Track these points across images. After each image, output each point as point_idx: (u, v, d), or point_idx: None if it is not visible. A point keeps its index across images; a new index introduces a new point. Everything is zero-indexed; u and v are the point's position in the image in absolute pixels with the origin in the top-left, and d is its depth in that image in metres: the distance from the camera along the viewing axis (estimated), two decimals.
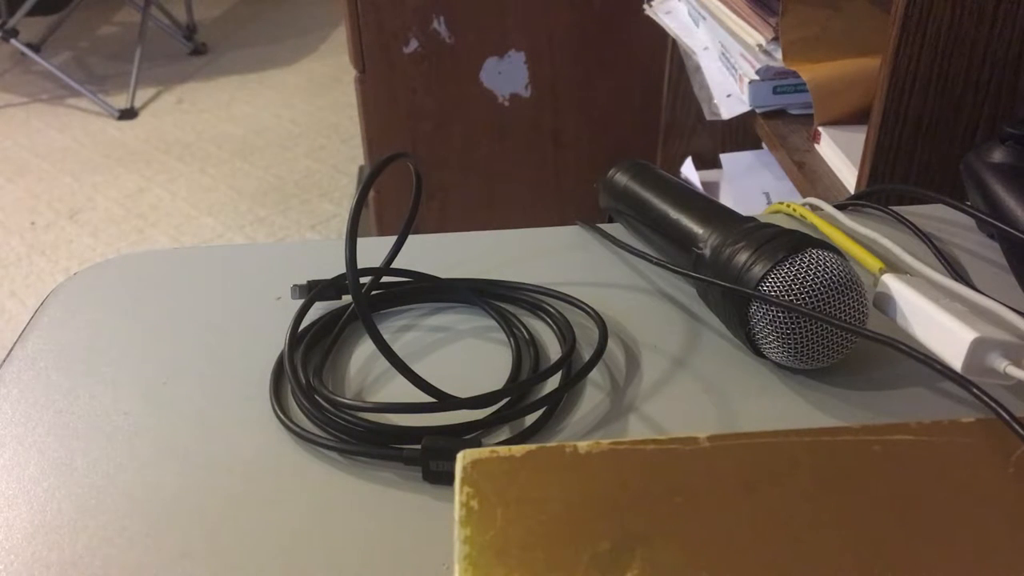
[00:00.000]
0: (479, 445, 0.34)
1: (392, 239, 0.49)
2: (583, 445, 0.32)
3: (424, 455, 0.37)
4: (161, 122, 2.50)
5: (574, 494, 0.30)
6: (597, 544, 0.28)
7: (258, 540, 0.35)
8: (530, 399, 0.41)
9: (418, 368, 0.43)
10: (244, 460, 0.38)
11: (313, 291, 0.46)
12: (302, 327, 0.45)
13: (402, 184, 1.57)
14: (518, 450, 0.32)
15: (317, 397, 0.40)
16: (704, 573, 0.27)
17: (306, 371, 0.42)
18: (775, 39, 0.97)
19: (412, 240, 0.54)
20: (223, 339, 0.46)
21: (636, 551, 0.28)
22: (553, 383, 0.42)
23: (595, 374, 0.43)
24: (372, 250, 0.52)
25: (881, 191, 0.70)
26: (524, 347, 0.44)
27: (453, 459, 0.32)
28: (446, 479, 0.37)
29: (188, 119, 2.51)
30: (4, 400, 0.42)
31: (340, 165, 2.27)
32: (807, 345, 0.40)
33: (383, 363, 0.44)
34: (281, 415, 0.40)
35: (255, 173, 2.24)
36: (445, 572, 0.33)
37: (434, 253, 0.53)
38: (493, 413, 0.39)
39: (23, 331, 0.47)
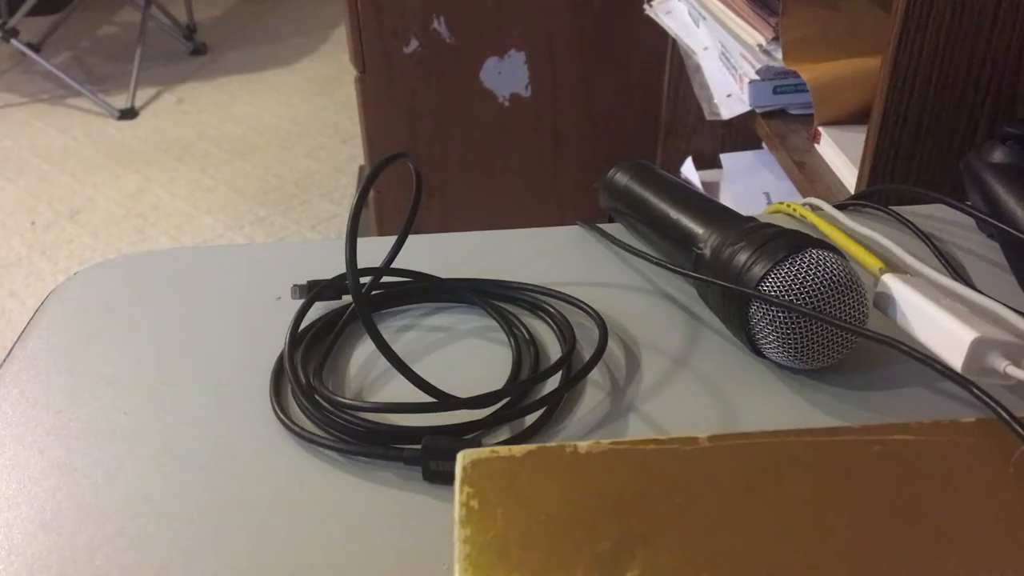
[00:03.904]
0: (479, 445, 0.34)
1: (392, 239, 0.49)
2: (583, 445, 0.32)
3: (424, 455, 0.37)
4: (161, 122, 2.50)
5: (574, 494, 0.30)
6: (597, 544, 0.28)
7: (258, 540, 0.35)
8: (530, 399, 0.41)
9: (418, 368, 0.43)
10: (244, 460, 0.38)
11: (313, 291, 0.46)
12: (302, 327, 0.45)
13: (402, 184, 1.57)
14: (518, 450, 0.32)
15: (317, 397, 0.40)
16: (704, 573, 0.27)
17: (306, 371, 0.42)
18: (775, 39, 0.97)
19: (412, 240, 0.54)
20: (223, 339, 0.46)
21: (636, 551, 0.28)
22: (553, 383, 0.42)
23: (595, 374, 0.43)
24: (372, 250, 0.52)
25: (881, 191, 0.70)
26: (524, 347, 0.44)
27: (453, 459, 0.32)
28: (446, 479, 0.37)
29: (188, 119, 2.51)
30: (4, 400, 0.42)
31: (340, 165, 2.27)
32: (807, 345, 0.40)
33: (383, 363, 0.43)
34: (281, 415, 0.40)
35: (255, 173, 2.24)
36: (445, 572, 0.33)
37: (434, 253, 0.52)
38: (493, 413, 0.39)
39: (23, 331, 0.47)
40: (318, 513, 0.36)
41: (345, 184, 2.18)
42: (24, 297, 1.84)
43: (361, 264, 0.47)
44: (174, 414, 0.41)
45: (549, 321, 0.46)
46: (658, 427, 0.40)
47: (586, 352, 0.44)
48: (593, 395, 0.42)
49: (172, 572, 0.33)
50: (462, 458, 0.31)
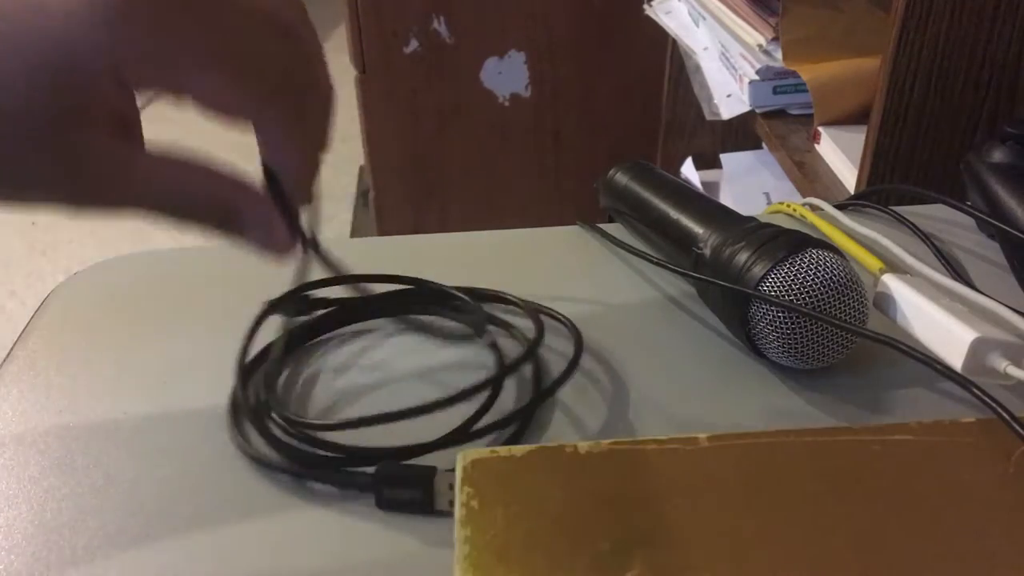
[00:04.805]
0: (435, 474, 0.34)
1: (393, 239, 0.49)
2: (583, 445, 0.32)
3: (377, 482, 0.35)
4: (161, 122, 2.49)
5: (574, 494, 0.30)
6: (597, 544, 0.28)
7: (260, 536, 0.35)
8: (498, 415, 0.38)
9: (387, 390, 0.42)
10: (245, 459, 0.38)
11: (266, 308, 0.43)
12: (259, 346, 0.43)
13: (402, 184, 1.58)
14: (518, 450, 0.32)
15: (269, 420, 0.38)
16: (704, 573, 0.27)
17: (257, 392, 0.40)
18: (775, 39, 0.97)
19: (412, 240, 0.54)
20: (223, 339, 0.46)
21: (636, 551, 0.28)
22: (525, 397, 0.41)
23: (595, 374, 0.43)
24: (370, 251, 0.51)
25: (881, 191, 0.70)
26: (500, 365, 0.41)
27: (409, 486, 0.31)
28: (402, 507, 0.35)
29: (188, 119, 2.50)
30: (4, 400, 0.42)
31: (340, 165, 2.27)
32: (807, 345, 0.40)
33: (346, 381, 0.43)
34: (240, 438, 0.38)
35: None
36: None
37: (434, 253, 0.53)
38: (452, 434, 0.37)
39: (23, 331, 0.47)
40: (285, 534, 0.36)
41: (345, 184, 2.18)
42: (24, 297, 1.84)
43: (359, 266, 0.47)
44: (174, 414, 0.41)
45: (525, 334, 0.44)
46: (658, 427, 0.39)
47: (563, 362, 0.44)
48: (592, 395, 0.42)
49: (172, 571, 0.33)
50: (462, 458, 0.31)
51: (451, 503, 0.34)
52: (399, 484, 0.35)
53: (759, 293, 0.39)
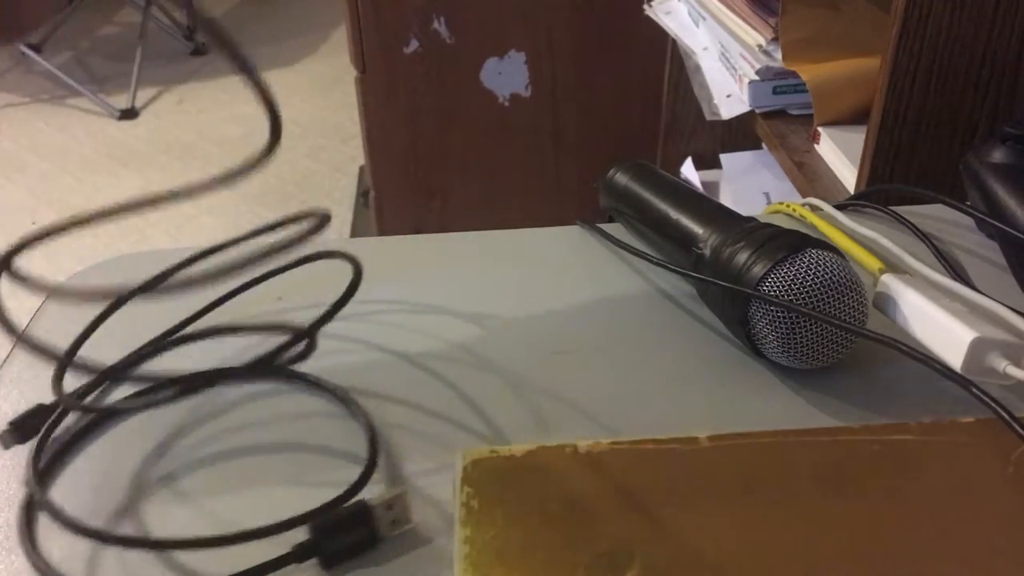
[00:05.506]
0: (369, 506, 0.31)
1: (394, 239, 0.49)
2: (583, 445, 0.32)
3: (318, 540, 0.31)
4: (162, 122, 2.50)
5: (574, 494, 0.30)
6: (597, 544, 0.28)
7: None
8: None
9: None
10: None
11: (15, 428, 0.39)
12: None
13: (402, 184, 1.57)
14: (518, 450, 0.32)
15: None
16: (704, 573, 0.27)
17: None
18: (775, 39, 0.97)
19: (412, 240, 0.54)
20: (222, 339, 0.46)
21: (636, 551, 0.28)
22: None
23: (594, 373, 0.43)
24: (371, 252, 0.51)
25: (881, 191, 0.70)
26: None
27: (353, 526, 0.30)
28: (348, 554, 0.32)
29: (188, 119, 2.51)
30: (4, 400, 0.42)
31: (340, 165, 2.27)
32: (807, 345, 0.40)
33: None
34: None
35: (255, 173, 2.24)
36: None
37: (433, 253, 0.52)
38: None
39: (23, 331, 0.47)
40: None
41: (345, 184, 2.18)
42: (24, 297, 1.84)
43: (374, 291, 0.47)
44: (173, 413, 0.41)
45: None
46: (658, 427, 0.39)
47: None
48: (593, 395, 0.42)
49: (173, 571, 0.33)
50: (462, 458, 0.31)
51: (393, 523, 0.32)
52: (341, 531, 0.31)
53: (759, 293, 0.39)
